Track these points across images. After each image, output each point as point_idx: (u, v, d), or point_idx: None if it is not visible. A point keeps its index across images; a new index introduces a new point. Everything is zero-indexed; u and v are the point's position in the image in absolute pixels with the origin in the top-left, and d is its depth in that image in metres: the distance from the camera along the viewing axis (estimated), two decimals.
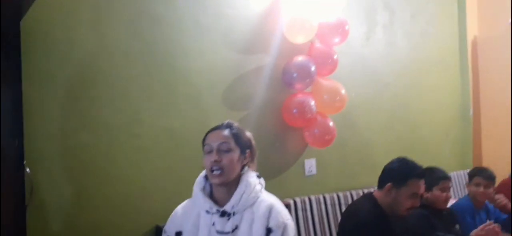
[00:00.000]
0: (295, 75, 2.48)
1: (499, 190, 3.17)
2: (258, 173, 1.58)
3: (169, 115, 2.14)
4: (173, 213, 1.58)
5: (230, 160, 1.46)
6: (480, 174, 2.82)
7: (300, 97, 2.50)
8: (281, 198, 1.65)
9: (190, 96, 2.23)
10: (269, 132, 2.55)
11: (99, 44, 1.97)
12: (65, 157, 1.84)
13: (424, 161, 3.53)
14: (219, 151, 1.46)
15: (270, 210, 1.47)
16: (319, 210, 2.56)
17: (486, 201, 2.89)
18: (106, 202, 1.92)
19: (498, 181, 3.48)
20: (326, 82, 2.61)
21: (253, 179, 1.52)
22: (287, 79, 2.52)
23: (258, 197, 1.50)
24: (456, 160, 3.67)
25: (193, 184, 1.56)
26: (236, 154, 1.48)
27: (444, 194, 2.45)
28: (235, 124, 1.54)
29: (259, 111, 2.51)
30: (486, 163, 4.02)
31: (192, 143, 2.13)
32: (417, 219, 2.36)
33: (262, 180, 1.58)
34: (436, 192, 2.45)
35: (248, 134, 1.56)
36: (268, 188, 1.59)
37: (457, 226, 2.52)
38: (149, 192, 2.05)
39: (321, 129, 2.59)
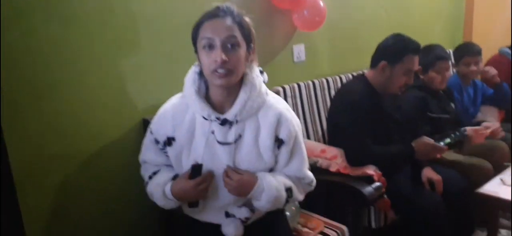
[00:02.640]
0: None
1: (488, 65, 3.16)
2: (261, 68, 1.38)
3: (142, 2, 1.92)
4: (161, 112, 1.39)
5: (238, 59, 1.23)
6: (467, 53, 2.76)
7: None
8: (269, 86, 1.53)
9: None
10: (255, 16, 2.35)
11: None
12: (36, 53, 1.66)
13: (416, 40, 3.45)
14: (225, 47, 1.21)
15: (278, 119, 1.31)
16: (309, 95, 2.50)
17: None
18: (83, 97, 1.79)
19: (487, 57, 3.47)
20: None
21: (258, 80, 1.32)
22: None
23: (264, 102, 1.32)
24: (447, 39, 3.58)
25: (178, 76, 1.37)
26: (243, 50, 1.26)
27: (440, 75, 2.41)
28: (236, 8, 1.27)
29: None
30: (476, 40, 3.96)
31: (174, 29, 1.95)
32: (411, 102, 2.35)
33: (265, 76, 1.39)
34: (431, 73, 2.41)
35: (247, 19, 1.31)
36: None
37: (452, 105, 2.52)
38: (129, 86, 1.92)
39: (310, 10, 2.41)
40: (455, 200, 2.03)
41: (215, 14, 1.24)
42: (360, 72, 2.22)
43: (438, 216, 1.90)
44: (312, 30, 2.54)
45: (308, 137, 2.46)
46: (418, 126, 2.20)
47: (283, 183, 1.35)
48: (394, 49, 2.02)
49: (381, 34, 2.18)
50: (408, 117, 2.25)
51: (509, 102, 3.06)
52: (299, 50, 2.61)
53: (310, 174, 1.44)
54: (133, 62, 1.92)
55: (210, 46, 1.22)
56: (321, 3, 2.42)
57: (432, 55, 2.43)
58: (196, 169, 1.30)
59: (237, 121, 1.29)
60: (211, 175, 1.32)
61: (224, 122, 1.29)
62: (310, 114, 2.50)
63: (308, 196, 1.63)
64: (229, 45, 1.22)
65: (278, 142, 1.33)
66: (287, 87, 2.40)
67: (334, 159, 2.00)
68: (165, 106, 1.39)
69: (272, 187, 1.31)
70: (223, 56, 1.20)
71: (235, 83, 1.27)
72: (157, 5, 1.96)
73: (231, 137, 1.30)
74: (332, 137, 2.25)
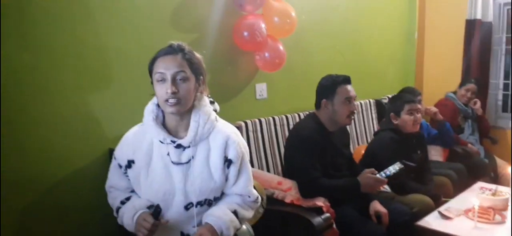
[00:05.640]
0: None
1: (435, 106, 3.44)
2: (211, 98, 1.56)
3: (111, 36, 2.05)
4: (123, 138, 1.54)
5: (187, 90, 1.39)
6: (408, 102, 2.67)
7: (250, 19, 2.48)
8: (233, 120, 1.70)
9: (134, 16, 2.14)
10: (220, 56, 2.54)
11: None
12: (8, 77, 1.74)
13: (370, 83, 3.75)
14: (175, 80, 1.37)
15: (226, 141, 1.48)
16: (269, 131, 2.67)
17: None
18: (52, 123, 1.87)
19: (435, 99, 3.77)
20: (276, 3, 2.59)
21: (207, 108, 1.49)
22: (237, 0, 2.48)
23: (214, 128, 1.49)
24: (400, 82, 3.86)
25: (142, 107, 1.51)
26: (192, 82, 1.42)
27: (412, 117, 2.60)
28: (186, 46, 1.44)
29: (210, 33, 2.46)
30: (427, 83, 4.30)
31: (136, 65, 2.07)
32: (378, 141, 2.60)
33: (216, 105, 1.58)
34: (404, 116, 2.61)
35: (198, 56, 1.48)
36: (220, 112, 1.60)
37: (419, 152, 2.70)
38: (97, 115, 2.02)
39: (271, 53, 2.61)
40: (399, 231, 2.21)
41: (167, 51, 1.40)
42: (312, 111, 2.43)
43: None
44: (273, 71, 2.74)
45: (268, 170, 2.62)
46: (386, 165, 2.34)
47: (228, 208, 1.50)
48: (327, 86, 2.27)
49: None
50: (380, 155, 2.48)
51: (453, 140, 3.35)
52: (261, 89, 2.80)
53: (255, 192, 1.59)
54: (101, 93, 2.03)
55: (163, 80, 1.38)
56: (281, 47, 2.63)
57: (401, 100, 2.66)
58: (158, 211, 1.42)
59: (189, 145, 1.44)
60: (165, 222, 1.44)
61: (178, 146, 1.44)
62: (270, 148, 2.66)
63: (265, 224, 1.74)
64: (178, 79, 1.38)
65: (227, 162, 1.49)
66: (249, 122, 2.56)
67: (289, 190, 2.15)
68: (127, 133, 1.55)
69: (224, 220, 1.46)
70: (173, 88, 1.36)
71: (185, 111, 1.42)
72: (126, 38, 2.10)
73: (184, 158, 1.45)
74: (287, 171, 2.41)
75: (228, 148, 1.48)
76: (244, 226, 1.73)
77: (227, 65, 2.58)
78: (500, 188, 2.57)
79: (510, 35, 3.91)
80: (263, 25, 2.47)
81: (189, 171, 1.45)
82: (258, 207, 1.97)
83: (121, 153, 1.51)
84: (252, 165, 2.50)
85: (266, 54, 2.60)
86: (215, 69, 2.51)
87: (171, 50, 1.41)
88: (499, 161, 3.61)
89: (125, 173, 1.52)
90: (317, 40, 3.13)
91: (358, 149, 3.06)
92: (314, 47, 3.11)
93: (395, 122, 2.64)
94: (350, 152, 2.49)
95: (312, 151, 2.15)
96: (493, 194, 2.35)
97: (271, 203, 2.10)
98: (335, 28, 3.29)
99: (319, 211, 2.00)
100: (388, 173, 2.18)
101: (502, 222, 2.12)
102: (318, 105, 2.31)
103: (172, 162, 1.45)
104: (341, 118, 2.26)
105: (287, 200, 2.11)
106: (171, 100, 1.37)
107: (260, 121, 2.63)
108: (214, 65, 2.50)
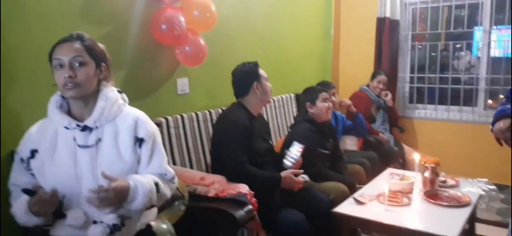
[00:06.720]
0: None
1: (351, 99, 3.66)
2: (119, 89, 1.57)
3: (13, 29, 1.86)
4: (26, 134, 1.50)
5: (85, 74, 1.40)
6: (322, 91, 2.88)
7: (169, 12, 2.41)
8: (153, 117, 1.65)
9: (39, 6, 1.96)
10: (138, 50, 2.43)
11: None
12: None
13: (290, 78, 3.86)
14: (72, 65, 1.38)
15: (136, 121, 1.49)
16: (192, 126, 2.62)
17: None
18: None
19: (351, 91, 4.00)
20: None
21: (113, 94, 1.50)
22: None
23: (121, 111, 1.50)
24: (318, 77, 4.04)
25: (47, 104, 1.47)
26: (91, 68, 1.43)
27: (326, 104, 2.78)
28: (86, 35, 1.46)
29: (125, 26, 2.35)
30: (342, 77, 4.56)
31: (42, 60, 1.89)
32: (296, 133, 2.72)
33: (124, 96, 1.57)
34: (319, 104, 2.77)
35: (101, 45, 1.50)
36: (140, 108, 1.58)
37: (331, 140, 2.88)
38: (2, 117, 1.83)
39: (192, 47, 2.57)
40: (319, 218, 2.31)
41: (66, 39, 1.43)
42: (236, 102, 2.47)
43: (303, 232, 2.16)
44: (195, 66, 2.70)
45: (191, 167, 2.57)
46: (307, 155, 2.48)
47: (151, 178, 1.48)
48: (250, 71, 2.41)
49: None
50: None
51: (366, 131, 3.58)
52: (183, 83, 2.74)
53: (171, 170, 1.59)
54: (3, 91, 1.84)
55: (61, 65, 1.39)
56: (202, 41, 2.60)
57: (315, 89, 2.85)
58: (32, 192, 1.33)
59: (96, 127, 1.44)
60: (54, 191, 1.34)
61: (84, 129, 1.43)
62: (193, 145, 2.62)
63: (188, 222, 1.70)
64: (76, 63, 1.39)
65: (139, 141, 1.49)
66: (170, 118, 2.49)
67: (212, 185, 2.14)
68: (31, 128, 1.52)
69: (143, 182, 1.43)
70: (70, 73, 1.37)
71: (85, 95, 1.42)
72: (30, 31, 1.92)
73: (91, 140, 1.43)
74: (215, 161, 2.42)
75: (138, 128, 1.49)
76: (164, 226, 1.69)
77: (145, 60, 2.49)
78: (407, 173, 2.81)
79: (415, 32, 4.29)
80: (182, 18, 2.41)
81: (97, 153, 1.43)
82: (179, 205, 1.93)
83: (24, 146, 1.48)
84: (174, 163, 2.44)
85: (187, 48, 2.55)
86: (133, 63, 2.41)
87: (69, 38, 1.43)
88: (406, 148, 3.94)
89: (28, 166, 1.46)
90: (239, 35, 3.15)
91: (279, 141, 3.14)
92: (236, 42, 3.12)
93: (311, 110, 2.80)
94: (272, 141, 2.57)
95: (240, 135, 2.23)
96: (401, 179, 2.56)
97: (194, 200, 2.07)
98: (257, 24, 3.34)
99: (242, 204, 2.02)
100: (294, 159, 2.33)
101: (408, 204, 2.31)
102: (244, 91, 2.40)
103: (79, 145, 1.42)
104: (268, 95, 2.44)
105: (211, 194, 2.10)
106: (69, 85, 1.37)
107: (182, 117, 2.58)
108: (132, 59, 2.40)
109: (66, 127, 1.44)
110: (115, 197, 1.34)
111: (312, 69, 4.15)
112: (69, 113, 1.47)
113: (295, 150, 2.36)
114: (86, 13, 2.16)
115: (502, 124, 1.61)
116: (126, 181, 1.40)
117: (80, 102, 1.45)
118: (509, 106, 1.66)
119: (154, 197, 1.46)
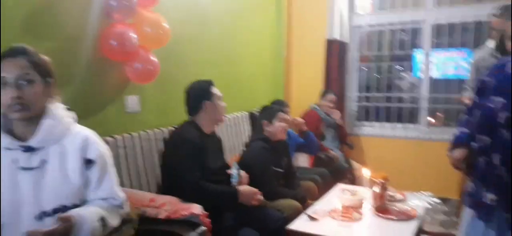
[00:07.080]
0: (113, 3, 2.30)
1: (302, 118, 3.72)
2: (67, 106, 1.47)
3: None
4: None
5: (34, 94, 1.30)
6: (280, 111, 2.94)
7: (119, 28, 2.34)
8: (100, 136, 1.56)
9: None
10: (84, 66, 2.33)
11: None
12: None
13: (243, 97, 3.88)
14: (19, 84, 1.27)
15: (85, 141, 1.40)
16: (142, 146, 2.54)
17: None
18: None
19: (302, 110, 4.08)
20: (148, 14, 2.50)
21: (60, 111, 1.40)
22: (105, 7, 2.32)
23: (69, 130, 1.40)
24: (270, 95, 4.08)
25: None
26: (39, 85, 1.32)
27: (283, 124, 2.80)
28: (30, 48, 1.34)
29: (71, 41, 2.25)
30: (294, 96, 4.65)
31: None
32: (251, 151, 2.73)
33: (72, 113, 1.47)
34: (276, 123, 2.78)
35: (46, 58, 1.39)
36: (87, 126, 1.49)
37: (285, 159, 2.90)
38: None
39: (143, 64, 2.50)
40: (273, 235, 2.30)
41: (8, 54, 1.30)
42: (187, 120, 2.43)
43: None
44: (146, 83, 2.63)
45: (141, 188, 2.47)
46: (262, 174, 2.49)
47: (95, 213, 1.37)
48: (203, 88, 2.41)
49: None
50: (254, 164, 2.60)
51: (317, 148, 3.66)
52: (132, 101, 2.65)
53: (121, 194, 1.51)
54: None
55: (5, 84, 1.28)
56: (153, 58, 2.54)
57: (274, 109, 2.88)
58: None
59: (41, 148, 1.33)
60: None
61: (27, 149, 1.32)
62: (144, 165, 2.52)
63: None
64: (23, 82, 1.29)
65: (88, 163, 1.39)
66: (118, 137, 2.39)
67: (163, 206, 2.06)
68: None
69: (88, 219, 1.31)
70: (17, 92, 1.27)
71: (33, 115, 1.32)
72: None
73: (35, 162, 1.32)
74: (166, 180, 2.35)
75: (87, 149, 1.40)
76: None
77: (92, 75, 2.38)
78: (357, 188, 2.88)
79: (362, 54, 4.48)
80: (133, 35, 2.35)
81: (41, 176, 1.31)
82: (128, 229, 1.84)
83: None
84: (122, 185, 2.34)
85: (138, 65, 2.48)
86: (80, 79, 2.30)
87: (12, 52, 1.30)
88: (355, 164, 4.07)
89: None
90: (192, 52, 3.12)
91: (231, 159, 3.12)
92: (189, 60, 3.09)
93: (268, 129, 2.80)
94: (225, 158, 2.54)
95: (193, 152, 2.19)
96: (353, 195, 2.62)
97: (144, 223, 1.98)
98: (211, 42, 3.33)
99: (194, 225, 1.96)
100: (235, 178, 2.37)
101: (360, 219, 2.37)
102: (196, 109, 2.38)
103: (21, 168, 1.30)
104: (220, 114, 2.43)
105: (162, 216, 2.02)
106: (16, 106, 1.27)
107: (132, 136, 2.48)
108: (77, 75, 2.29)
109: (8, 148, 1.32)
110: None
111: (265, 88, 4.20)
112: (10, 132, 1.35)
113: (235, 169, 2.39)
114: (29, 26, 2.04)
115: (458, 154, 1.66)
116: (70, 218, 1.27)
117: (24, 121, 1.34)
118: (465, 129, 1.69)
119: (99, 234, 1.36)
